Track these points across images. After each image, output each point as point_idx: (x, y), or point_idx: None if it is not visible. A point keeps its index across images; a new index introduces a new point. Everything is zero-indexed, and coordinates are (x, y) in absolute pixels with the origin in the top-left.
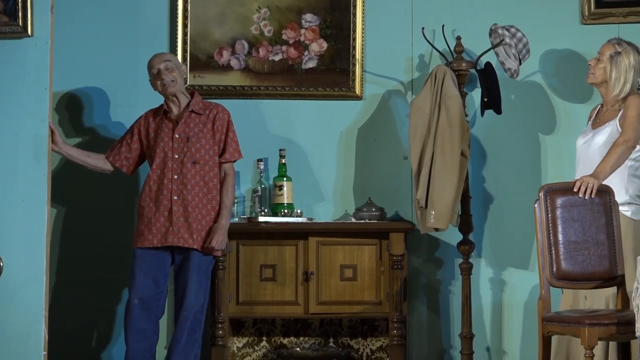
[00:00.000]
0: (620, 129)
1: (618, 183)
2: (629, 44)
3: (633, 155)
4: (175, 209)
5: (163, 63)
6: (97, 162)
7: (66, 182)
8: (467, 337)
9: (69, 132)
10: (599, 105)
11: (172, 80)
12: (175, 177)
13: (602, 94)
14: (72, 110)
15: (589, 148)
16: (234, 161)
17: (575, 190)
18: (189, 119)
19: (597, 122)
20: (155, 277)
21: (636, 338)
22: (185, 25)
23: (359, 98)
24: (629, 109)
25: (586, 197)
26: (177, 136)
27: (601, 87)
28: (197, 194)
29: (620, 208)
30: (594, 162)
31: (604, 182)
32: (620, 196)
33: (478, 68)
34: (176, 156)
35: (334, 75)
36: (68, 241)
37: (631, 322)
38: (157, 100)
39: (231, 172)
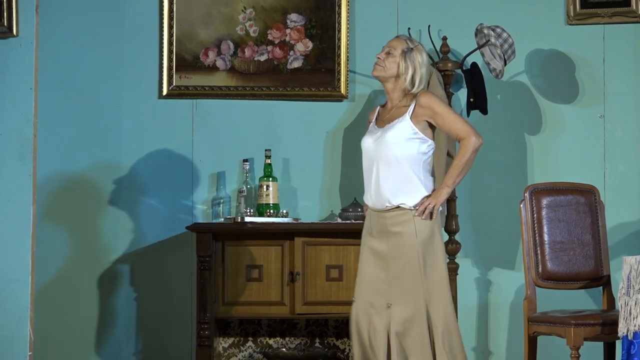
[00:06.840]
0: (414, 126)
1: (415, 182)
2: (418, 42)
3: (427, 150)
4: None
5: None
6: None
7: (52, 182)
8: None
9: (53, 132)
10: (379, 107)
11: None
12: None
13: (388, 90)
14: (58, 111)
15: (380, 145)
16: None
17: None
18: None
19: (383, 120)
20: None
21: (620, 338)
22: (171, 26)
23: (344, 98)
24: (435, 106)
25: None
26: None
27: (389, 82)
28: None
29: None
30: (390, 158)
31: (583, 182)
32: (419, 195)
33: (464, 68)
34: None
35: (319, 75)
36: (54, 241)
37: (616, 323)
38: (145, 101)
39: None
